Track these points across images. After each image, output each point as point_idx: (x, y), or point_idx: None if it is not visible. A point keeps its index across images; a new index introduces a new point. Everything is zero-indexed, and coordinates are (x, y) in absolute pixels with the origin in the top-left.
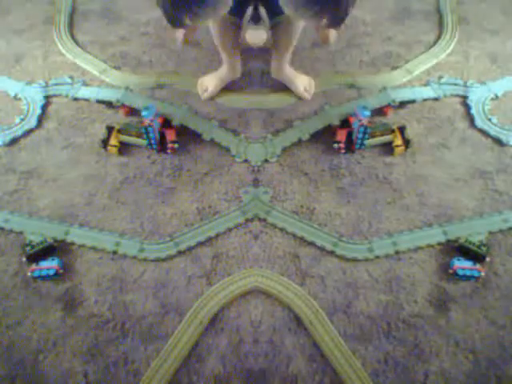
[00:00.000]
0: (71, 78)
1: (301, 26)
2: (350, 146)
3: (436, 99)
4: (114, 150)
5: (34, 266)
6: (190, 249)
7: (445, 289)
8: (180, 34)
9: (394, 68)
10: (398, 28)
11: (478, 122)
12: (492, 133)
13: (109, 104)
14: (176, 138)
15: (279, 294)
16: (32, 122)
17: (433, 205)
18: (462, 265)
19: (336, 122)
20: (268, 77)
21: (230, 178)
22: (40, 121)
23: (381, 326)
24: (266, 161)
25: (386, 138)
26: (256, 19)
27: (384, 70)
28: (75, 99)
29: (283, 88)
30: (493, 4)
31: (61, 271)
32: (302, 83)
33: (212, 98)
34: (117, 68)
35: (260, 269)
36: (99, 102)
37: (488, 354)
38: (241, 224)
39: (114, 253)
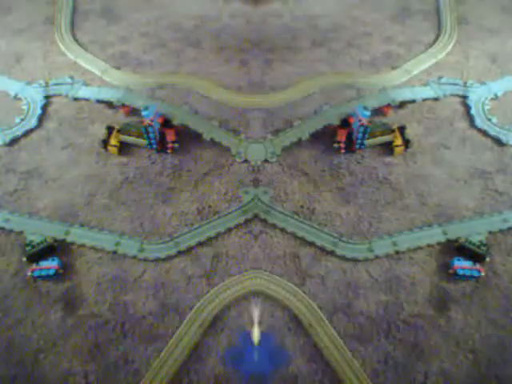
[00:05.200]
0: (71, 77)
1: None
2: (350, 146)
3: (436, 99)
4: (114, 150)
5: (34, 266)
6: (189, 249)
7: (445, 289)
8: None
9: (394, 68)
10: (397, 28)
11: (478, 122)
12: (492, 133)
13: (109, 104)
14: (176, 137)
15: (279, 295)
16: (32, 121)
17: (433, 205)
18: (462, 265)
19: (336, 122)
20: (268, 77)
21: (230, 178)
22: (40, 121)
23: (381, 326)
24: (266, 161)
25: (386, 138)
26: None
27: (384, 70)
28: (75, 99)
29: (283, 88)
30: (493, 4)
31: (61, 271)
32: None
33: None
34: (117, 68)
35: (260, 270)
36: (99, 101)
37: (488, 353)
38: (241, 224)
39: (114, 253)
